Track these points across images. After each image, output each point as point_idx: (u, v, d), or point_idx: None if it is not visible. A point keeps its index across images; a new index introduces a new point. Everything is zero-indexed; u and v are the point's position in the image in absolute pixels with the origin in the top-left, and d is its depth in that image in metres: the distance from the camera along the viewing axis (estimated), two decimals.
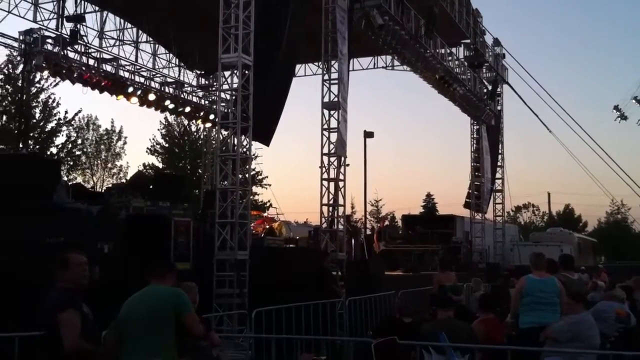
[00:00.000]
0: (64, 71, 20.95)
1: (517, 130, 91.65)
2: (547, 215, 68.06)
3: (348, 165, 17.29)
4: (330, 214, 16.64)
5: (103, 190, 27.08)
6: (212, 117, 26.46)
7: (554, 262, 9.97)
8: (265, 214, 25.76)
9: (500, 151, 30.59)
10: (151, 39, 24.88)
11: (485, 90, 28.62)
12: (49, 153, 31.88)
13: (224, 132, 14.36)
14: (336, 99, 16.79)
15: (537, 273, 8.58)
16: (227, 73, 14.09)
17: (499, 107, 30.43)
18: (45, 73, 24.77)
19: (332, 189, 16.64)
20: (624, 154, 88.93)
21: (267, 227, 20.66)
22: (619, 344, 8.10)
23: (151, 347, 4.99)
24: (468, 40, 26.38)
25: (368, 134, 24.68)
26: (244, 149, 13.84)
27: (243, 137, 13.71)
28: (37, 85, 30.85)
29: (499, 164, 30.39)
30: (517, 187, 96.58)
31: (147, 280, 5.26)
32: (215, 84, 25.24)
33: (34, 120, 31.20)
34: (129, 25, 23.76)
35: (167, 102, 25.11)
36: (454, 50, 25.95)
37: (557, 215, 66.80)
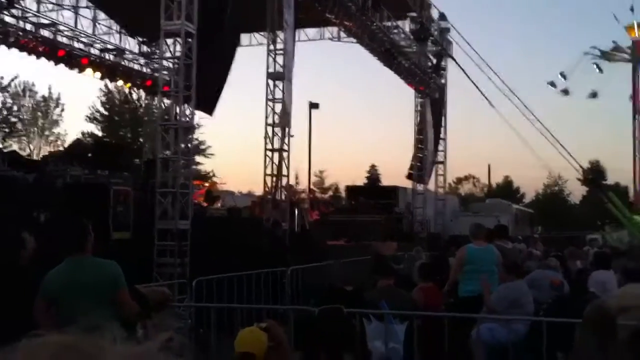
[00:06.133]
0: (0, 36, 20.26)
1: (460, 103, 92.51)
2: (487, 187, 69.45)
3: (292, 136, 17.32)
4: (273, 184, 16.63)
5: (39, 159, 26.39)
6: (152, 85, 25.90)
7: (490, 231, 10.19)
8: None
9: (443, 124, 30.94)
10: (91, 4, 24.15)
11: (430, 64, 28.82)
12: None
13: (166, 101, 14.14)
14: (281, 70, 16.70)
15: (477, 242, 8.78)
16: (169, 41, 13.83)
17: (443, 81, 30.71)
18: None
19: (276, 160, 16.62)
20: (566, 128, 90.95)
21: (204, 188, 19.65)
22: (552, 311, 8.33)
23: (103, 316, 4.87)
24: (414, 14, 26.42)
25: (313, 105, 24.63)
26: (187, 118, 13.66)
27: (185, 106, 13.53)
28: None
29: (441, 136, 30.75)
30: (458, 159, 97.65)
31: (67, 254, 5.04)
32: (157, 51, 24.72)
33: None
34: None
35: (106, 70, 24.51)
36: (399, 23, 25.99)
37: (497, 187, 68.22)
